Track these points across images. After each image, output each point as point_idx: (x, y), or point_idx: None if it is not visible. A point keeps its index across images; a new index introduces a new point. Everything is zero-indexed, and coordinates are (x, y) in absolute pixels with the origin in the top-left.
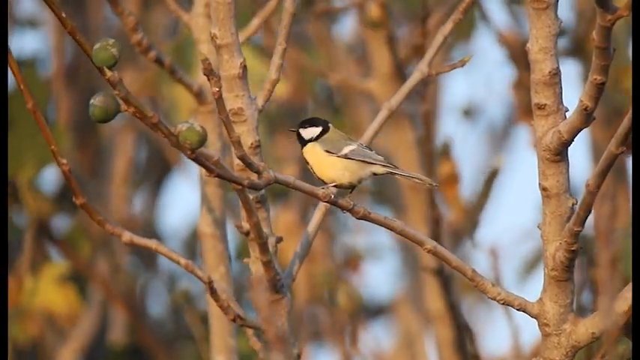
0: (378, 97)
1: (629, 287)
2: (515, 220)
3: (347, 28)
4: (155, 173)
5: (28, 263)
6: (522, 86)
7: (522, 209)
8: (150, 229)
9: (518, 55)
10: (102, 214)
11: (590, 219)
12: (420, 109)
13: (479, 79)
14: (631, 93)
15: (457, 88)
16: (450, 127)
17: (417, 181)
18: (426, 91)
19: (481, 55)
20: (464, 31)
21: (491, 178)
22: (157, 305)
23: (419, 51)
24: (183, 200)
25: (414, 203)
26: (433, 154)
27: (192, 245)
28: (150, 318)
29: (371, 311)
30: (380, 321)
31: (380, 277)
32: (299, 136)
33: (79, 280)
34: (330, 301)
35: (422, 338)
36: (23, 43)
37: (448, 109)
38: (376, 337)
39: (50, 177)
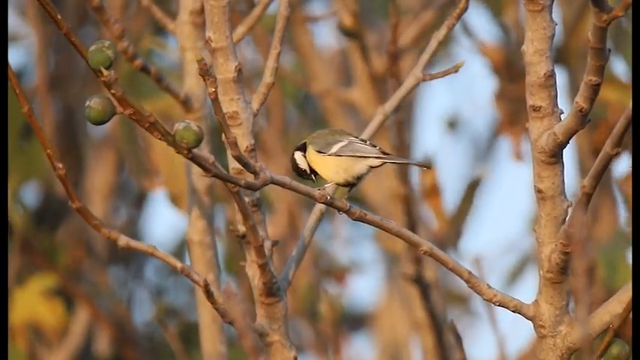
0: (361, 106)
1: (614, 299)
2: (499, 232)
3: (328, 37)
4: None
5: (14, 276)
6: (504, 97)
7: (507, 221)
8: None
9: (500, 66)
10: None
11: None
12: (394, 117)
13: (460, 89)
14: (607, 103)
15: (438, 99)
16: (432, 137)
17: (414, 165)
18: (401, 100)
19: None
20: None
21: (473, 189)
22: (143, 316)
23: (393, 59)
24: (167, 213)
25: (394, 211)
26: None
27: (178, 256)
28: (136, 329)
29: (355, 322)
30: (363, 332)
31: (364, 288)
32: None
33: (65, 292)
34: (313, 313)
35: (408, 347)
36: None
37: (429, 118)
38: (359, 348)
39: (30, 193)
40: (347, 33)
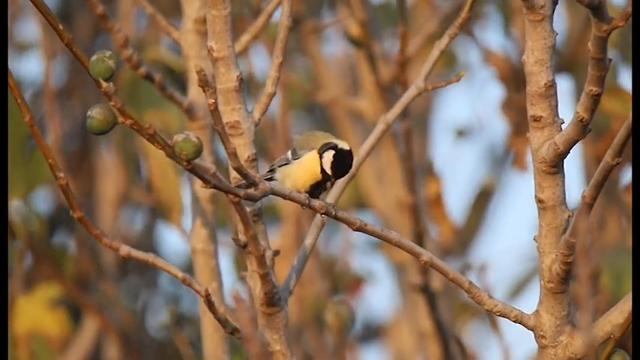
0: (368, 115)
1: (616, 309)
2: (511, 240)
3: (336, 46)
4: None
5: (19, 285)
6: (511, 107)
7: (518, 229)
8: (148, 250)
9: (507, 75)
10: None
11: None
12: (401, 126)
13: (476, 97)
14: (612, 114)
15: (453, 106)
16: (444, 146)
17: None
18: (407, 107)
19: (475, 73)
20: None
21: (482, 198)
22: (157, 325)
23: (401, 67)
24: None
25: (400, 220)
26: (414, 172)
27: (191, 266)
28: (148, 338)
29: (368, 333)
30: (374, 343)
31: (376, 298)
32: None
33: (73, 301)
34: (320, 323)
35: (415, 358)
36: (14, 67)
37: (442, 127)
38: (368, 358)
39: (42, 200)
40: (354, 42)
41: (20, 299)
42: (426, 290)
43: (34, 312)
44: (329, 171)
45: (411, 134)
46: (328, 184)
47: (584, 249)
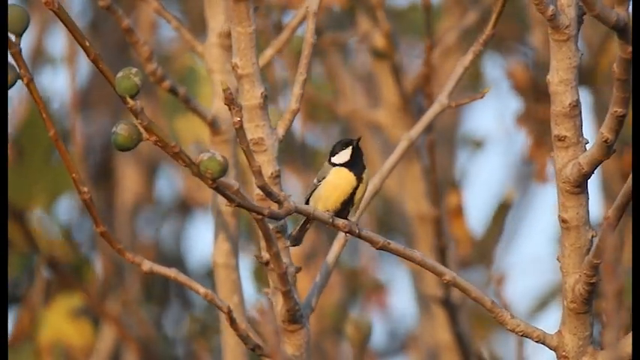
0: (387, 128)
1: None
2: (532, 254)
3: (355, 58)
4: (182, 205)
5: (41, 296)
6: (530, 118)
7: (540, 243)
8: (176, 261)
9: (525, 87)
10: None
11: None
12: (426, 140)
13: (498, 109)
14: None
15: (477, 119)
16: (469, 158)
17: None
18: (433, 121)
19: (499, 85)
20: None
21: (502, 209)
22: (180, 333)
23: (426, 80)
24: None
25: (421, 233)
26: (438, 185)
27: None
28: (169, 346)
29: (393, 344)
30: (397, 354)
31: (398, 308)
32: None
33: (91, 311)
34: (339, 332)
35: None
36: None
37: (466, 139)
38: None
39: (62, 210)
40: (378, 54)
41: (43, 310)
42: (447, 304)
43: (57, 322)
44: (349, 158)
45: (435, 148)
46: (356, 196)
47: (610, 266)
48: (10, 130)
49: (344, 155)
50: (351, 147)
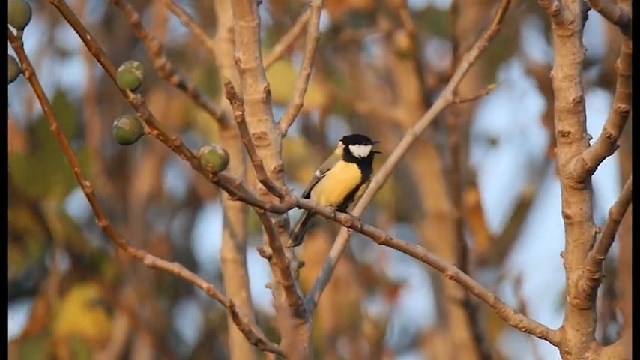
0: (405, 125)
1: None
2: (549, 250)
3: (374, 55)
4: (194, 199)
5: (57, 287)
6: (552, 116)
7: (556, 239)
8: (186, 255)
9: (547, 84)
10: (125, 237)
11: (614, 249)
12: (449, 140)
13: (515, 107)
14: None
15: (494, 117)
16: (483, 156)
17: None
18: (456, 122)
19: (517, 83)
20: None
21: (520, 207)
22: (196, 327)
23: (448, 80)
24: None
25: (440, 232)
26: (460, 186)
27: None
28: (183, 341)
29: (407, 342)
30: (411, 351)
31: (414, 305)
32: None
33: (106, 301)
34: (356, 329)
35: None
36: (59, 72)
37: (481, 137)
38: None
39: (79, 202)
40: (402, 53)
41: (59, 301)
42: (466, 304)
43: (73, 313)
44: (366, 156)
45: (459, 149)
46: (357, 194)
47: (627, 264)
48: (27, 121)
49: (363, 150)
50: (371, 146)
